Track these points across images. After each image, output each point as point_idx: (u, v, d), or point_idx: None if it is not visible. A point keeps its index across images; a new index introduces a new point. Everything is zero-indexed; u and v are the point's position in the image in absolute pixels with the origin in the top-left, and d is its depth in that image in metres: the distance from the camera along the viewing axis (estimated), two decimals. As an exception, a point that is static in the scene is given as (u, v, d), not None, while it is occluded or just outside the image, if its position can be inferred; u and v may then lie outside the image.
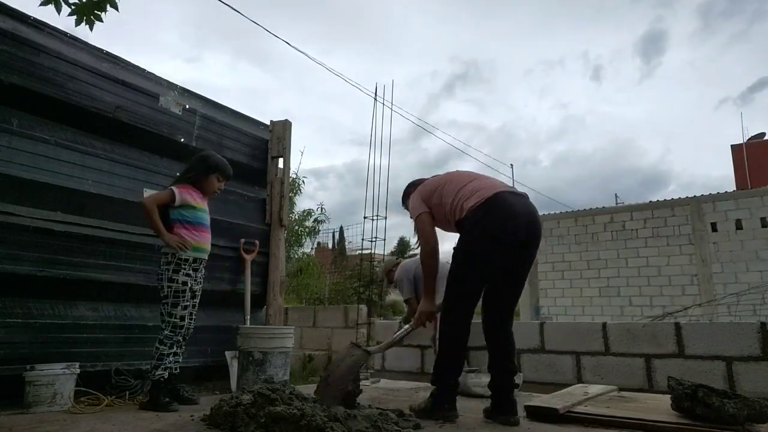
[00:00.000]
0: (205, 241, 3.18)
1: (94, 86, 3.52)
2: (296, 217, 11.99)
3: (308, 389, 3.41)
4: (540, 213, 2.72)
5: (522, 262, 2.59)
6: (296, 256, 12.14)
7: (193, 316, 3.14)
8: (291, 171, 5.84)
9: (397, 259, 4.70)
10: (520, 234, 2.46)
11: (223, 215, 4.17)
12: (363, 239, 7.50)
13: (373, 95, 7.72)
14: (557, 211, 12.40)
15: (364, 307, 6.37)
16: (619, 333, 3.68)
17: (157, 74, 3.96)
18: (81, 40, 3.53)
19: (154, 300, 3.16)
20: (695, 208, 10.34)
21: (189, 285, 3.05)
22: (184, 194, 3.08)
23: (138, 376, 3.31)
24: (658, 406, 2.56)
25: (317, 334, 6.53)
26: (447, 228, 2.77)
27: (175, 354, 3.04)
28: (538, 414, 2.53)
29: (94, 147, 3.51)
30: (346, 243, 11.98)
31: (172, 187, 3.08)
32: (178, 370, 3.06)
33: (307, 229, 12.37)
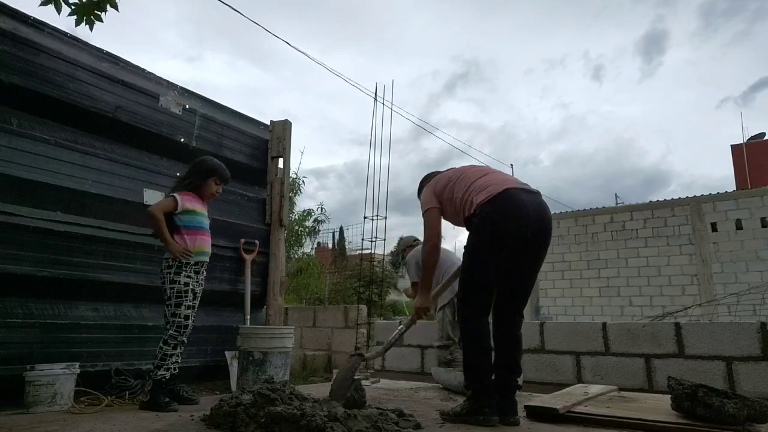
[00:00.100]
0: (205, 244, 3.21)
1: (94, 86, 3.52)
2: (296, 217, 11.99)
3: (308, 389, 3.41)
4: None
5: (531, 259, 2.56)
6: (296, 256, 12.14)
7: (193, 317, 3.15)
8: (291, 171, 5.84)
9: (414, 240, 4.67)
10: (529, 231, 2.43)
11: (223, 215, 4.17)
12: (363, 239, 7.51)
13: (373, 95, 7.74)
14: (557, 211, 12.40)
15: (364, 307, 6.37)
16: (619, 333, 3.68)
17: (157, 74, 3.96)
18: (81, 40, 3.53)
19: (154, 300, 3.16)
20: (695, 208, 10.34)
21: (191, 286, 3.06)
22: (185, 200, 3.12)
23: (138, 376, 3.31)
24: (658, 406, 2.56)
25: (317, 334, 6.53)
26: (458, 223, 2.74)
27: (177, 355, 3.04)
28: (538, 414, 2.53)
29: (94, 147, 3.51)
30: (346, 243, 11.97)
31: (174, 194, 3.10)
32: (177, 371, 3.06)
33: (307, 229, 12.38)
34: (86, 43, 3.55)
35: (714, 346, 3.32)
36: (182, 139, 4.05)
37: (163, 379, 2.93)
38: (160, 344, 2.99)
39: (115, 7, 3.18)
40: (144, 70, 3.89)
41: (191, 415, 2.55)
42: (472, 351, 2.49)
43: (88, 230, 3.34)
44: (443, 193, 2.70)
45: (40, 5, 3.08)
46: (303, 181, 11.94)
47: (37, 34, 3.28)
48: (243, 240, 4.35)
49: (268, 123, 4.83)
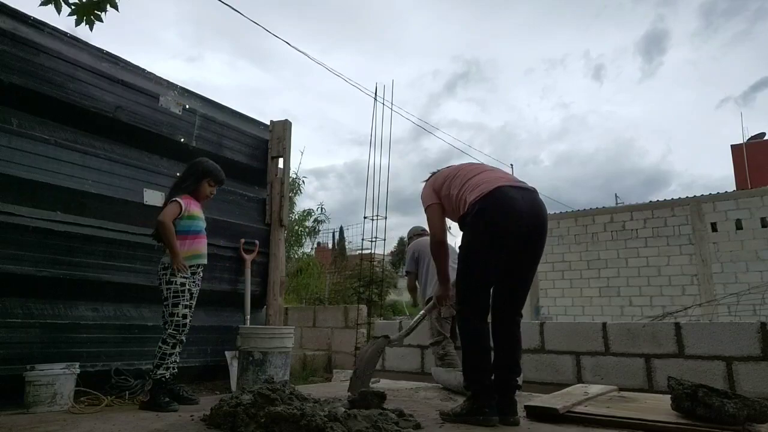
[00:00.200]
0: (203, 248, 3.23)
1: (94, 86, 3.52)
2: (296, 217, 11.99)
3: (308, 389, 3.41)
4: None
5: (527, 257, 2.54)
6: (296, 256, 12.14)
7: (191, 316, 3.15)
8: (291, 171, 5.84)
9: (422, 230, 4.68)
10: (521, 229, 2.41)
11: (223, 215, 4.17)
12: (363, 239, 7.52)
13: (373, 95, 7.74)
14: (557, 211, 12.40)
15: (364, 307, 6.37)
16: (619, 333, 3.68)
17: (157, 74, 3.97)
18: (81, 40, 3.53)
19: (154, 300, 3.16)
20: (695, 208, 10.34)
21: (187, 286, 3.07)
22: (188, 205, 3.13)
23: (138, 376, 3.31)
24: (658, 406, 2.56)
25: (317, 334, 6.53)
26: (456, 220, 2.74)
27: (176, 354, 3.04)
28: (538, 414, 2.53)
29: (94, 147, 3.51)
30: (346, 243, 11.97)
31: (177, 200, 3.09)
32: (177, 370, 3.06)
33: (307, 229, 12.38)
34: (86, 43, 3.56)
35: (714, 346, 3.32)
36: (182, 139, 4.05)
37: (163, 379, 2.93)
38: (159, 344, 2.99)
39: (115, 7, 3.18)
40: (144, 70, 3.89)
41: (191, 415, 2.55)
42: (472, 351, 2.48)
43: (88, 230, 3.34)
44: (441, 190, 2.71)
45: (40, 5, 3.08)
46: (303, 181, 11.95)
47: (37, 34, 3.29)
48: (243, 240, 4.35)
49: (268, 123, 4.83)
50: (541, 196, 2.61)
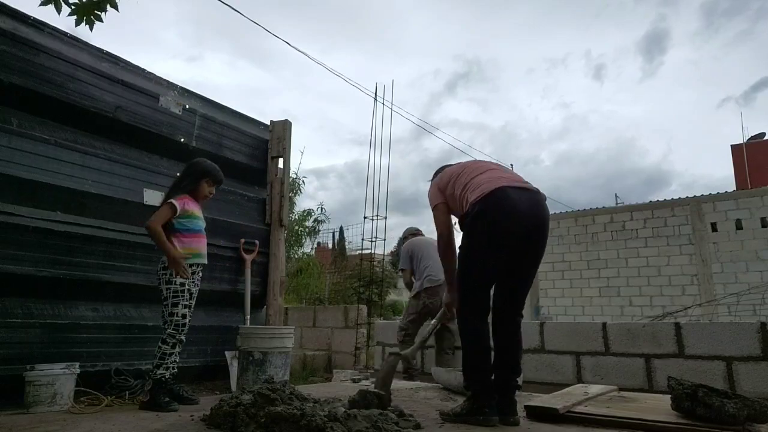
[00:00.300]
0: (202, 247, 3.22)
1: (94, 86, 3.52)
2: (296, 217, 12.00)
3: (308, 389, 3.41)
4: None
5: (527, 258, 2.53)
6: (296, 256, 12.15)
7: (190, 316, 3.15)
8: (291, 171, 5.85)
9: (417, 230, 4.95)
10: (521, 229, 2.40)
11: (223, 215, 4.17)
12: (363, 239, 7.53)
13: (373, 95, 7.74)
14: (557, 211, 12.39)
15: (364, 307, 6.38)
16: (619, 333, 3.68)
17: (157, 74, 3.97)
18: (81, 40, 3.53)
19: (154, 300, 3.16)
20: (695, 208, 10.33)
21: (186, 286, 3.07)
22: (184, 204, 3.12)
23: (138, 376, 3.31)
24: (658, 406, 2.56)
25: (317, 334, 6.53)
26: (459, 219, 2.73)
27: (176, 354, 3.04)
28: (538, 414, 2.52)
29: (94, 147, 3.51)
30: (346, 243, 11.98)
31: (171, 201, 3.08)
32: (177, 370, 3.06)
33: (307, 229, 12.39)
34: (86, 43, 3.55)
35: (714, 346, 3.32)
36: (182, 139, 4.05)
37: (163, 378, 2.93)
38: (159, 344, 2.99)
39: (115, 7, 3.18)
40: (144, 70, 3.89)
41: (191, 415, 2.55)
42: (472, 351, 2.48)
43: (88, 230, 3.34)
44: (446, 189, 2.69)
45: (40, 5, 3.08)
46: (303, 181, 11.97)
47: (37, 34, 3.29)
48: (243, 240, 4.35)
49: (268, 123, 4.83)
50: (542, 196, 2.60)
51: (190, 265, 3.11)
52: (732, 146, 17.67)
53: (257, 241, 4.44)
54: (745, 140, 17.61)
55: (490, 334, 2.55)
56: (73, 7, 3.15)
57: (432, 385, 3.81)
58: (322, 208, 12.76)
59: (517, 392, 2.54)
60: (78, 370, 2.97)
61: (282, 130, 4.76)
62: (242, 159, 4.53)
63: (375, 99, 7.75)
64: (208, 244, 3.33)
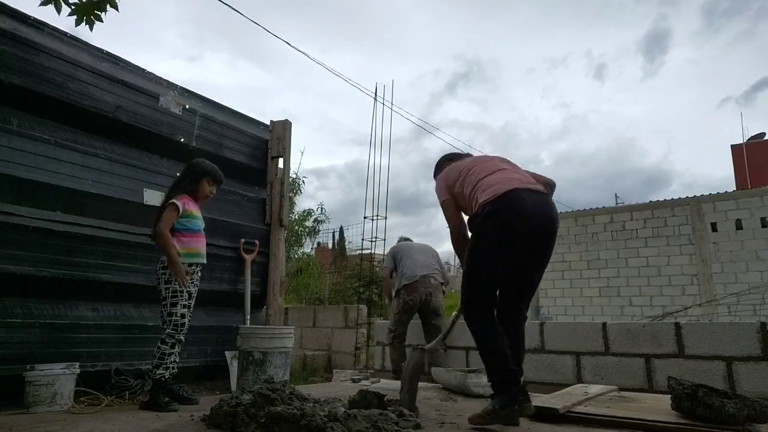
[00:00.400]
0: (201, 247, 3.23)
1: (94, 86, 3.52)
2: (296, 217, 12.00)
3: (308, 389, 3.41)
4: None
5: (535, 259, 2.53)
6: (296, 256, 12.15)
7: (189, 316, 3.15)
8: (291, 171, 5.85)
9: (407, 238, 5.33)
10: (530, 230, 2.39)
11: (223, 215, 4.17)
12: (363, 239, 7.52)
13: (373, 95, 7.74)
14: (557, 211, 12.40)
15: (364, 307, 6.37)
16: (619, 333, 3.68)
17: (157, 74, 3.97)
18: (81, 40, 3.53)
19: (154, 300, 3.16)
20: (695, 208, 10.33)
21: (186, 286, 3.06)
22: (183, 204, 3.12)
23: (138, 376, 3.31)
24: (658, 406, 2.56)
25: (317, 334, 6.53)
26: (467, 214, 2.68)
27: (176, 354, 3.04)
28: (538, 414, 2.52)
29: (94, 147, 3.51)
30: (346, 243, 11.98)
31: (174, 201, 3.08)
32: (176, 370, 3.06)
33: (307, 229, 12.39)
34: (86, 43, 3.55)
35: (714, 346, 3.32)
36: (182, 139, 4.05)
37: (163, 378, 2.93)
38: (158, 344, 2.99)
39: (115, 7, 3.18)
40: (144, 70, 3.89)
41: (191, 415, 2.55)
42: (487, 352, 2.44)
43: (88, 230, 3.34)
44: (455, 186, 2.66)
45: (40, 5, 3.08)
46: (303, 181, 11.97)
47: (37, 34, 3.28)
48: (243, 240, 4.35)
49: (268, 123, 4.83)
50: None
51: (189, 265, 3.11)
52: (732, 146, 17.67)
53: (257, 241, 4.44)
54: (745, 140, 17.61)
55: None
56: (73, 7, 3.14)
57: (432, 385, 3.81)
58: (322, 208, 12.78)
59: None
60: (78, 370, 2.97)
61: (282, 130, 4.76)
62: (242, 159, 4.53)
63: (375, 99, 7.75)
64: (208, 244, 3.33)
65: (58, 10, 3.12)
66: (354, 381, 4.33)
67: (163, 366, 2.95)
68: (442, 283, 4.70)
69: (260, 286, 4.51)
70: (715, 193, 10.50)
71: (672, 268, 10.32)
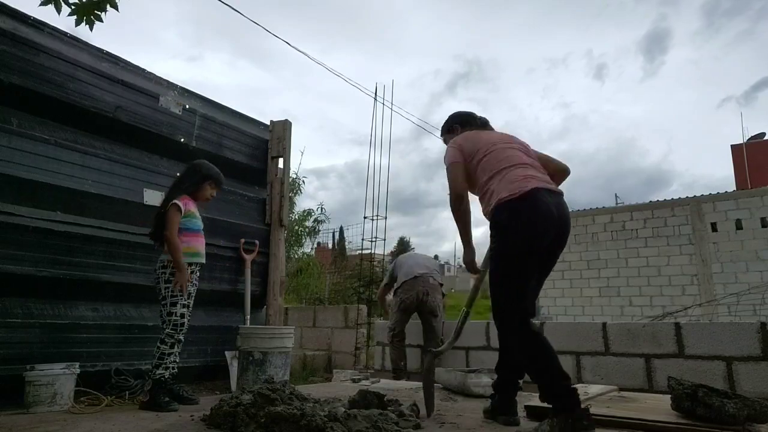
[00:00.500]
0: (201, 247, 3.23)
1: (94, 86, 3.52)
2: (296, 217, 11.99)
3: (308, 389, 3.41)
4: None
5: (548, 261, 2.47)
6: (296, 256, 12.14)
7: (189, 316, 3.15)
8: (291, 171, 5.85)
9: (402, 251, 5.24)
10: (550, 233, 2.30)
11: (223, 215, 4.17)
12: (363, 239, 7.52)
13: (373, 95, 7.74)
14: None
15: (364, 307, 6.37)
16: (619, 333, 3.68)
17: (157, 74, 3.97)
18: (81, 40, 3.53)
19: (154, 300, 3.16)
20: (695, 208, 10.33)
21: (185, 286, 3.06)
22: (186, 204, 3.13)
23: (138, 376, 3.31)
24: (658, 406, 2.56)
25: (317, 334, 6.53)
26: (474, 193, 2.57)
27: (175, 354, 3.04)
28: (538, 414, 2.52)
29: (94, 147, 3.51)
30: (346, 243, 11.97)
31: (176, 202, 3.08)
32: (176, 370, 3.06)
33: (307, 229, 12.38)
34: (86, 43, 3.55)
35: (714, 346, 3.32)
36: (182, 139, 4.05)
37: (162, 378, 2.93)
38: (158, 344, 2.99)
39: (115, 7, 3.18)
40: (144, 70, 3.89)
41: (191, 415, 2.55)
42: (533, 363, 2.23)
43: (88, 230, 3.34)
44: (467, 158, 2.54)
45: (40, 5, 3.08)
46: (303, 181, 11.97)
47: (37, 34, 3.28)
48: (243, 240, 4.35)
49: (268, 123, 4.83)
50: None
51: (189, 265, 3.11)
52: (732, 146, 17.67)
53: (257, 241, 4.44)
54: (745, 140, 17.61)
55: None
56: (73, 7, 3.14)
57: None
58: (322, 208, 12.77)
59: (518, 392, 2.54)
60: (78, 370, 2.97)
61: (282, 130, 4.76)
62: (242, 159, 4.53)
63: (375, 99, 7.75)
64: (208, 244, 3.33)
65: (58, 10, 3.12)
66: (354, 381, 4.33)
67: (163, 366, 2.95)
68: (441, 284, 4.71)
69: (260, 286, 4.51)
70: (715, 193, 10.50)
71: (672, 268, 10.32)
